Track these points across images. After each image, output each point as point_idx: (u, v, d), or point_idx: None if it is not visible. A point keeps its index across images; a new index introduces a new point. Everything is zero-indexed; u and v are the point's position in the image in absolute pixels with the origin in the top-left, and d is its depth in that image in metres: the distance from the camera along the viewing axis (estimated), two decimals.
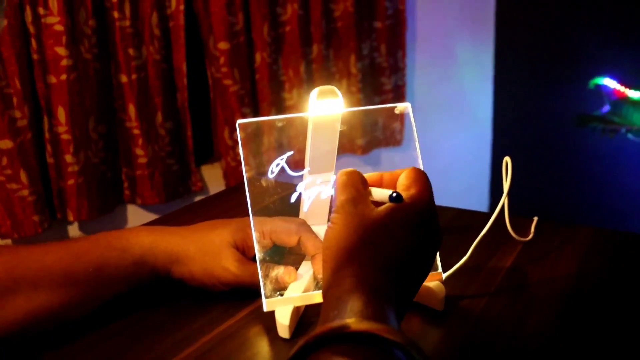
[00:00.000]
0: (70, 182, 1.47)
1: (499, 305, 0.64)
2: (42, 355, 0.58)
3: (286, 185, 0.66)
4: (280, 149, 0.67)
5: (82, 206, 1.50)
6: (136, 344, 0.60)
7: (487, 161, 2.54)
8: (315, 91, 0.64)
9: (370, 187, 0.55)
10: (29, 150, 1.41)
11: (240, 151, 0.65)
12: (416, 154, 0.67)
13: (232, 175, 1.77)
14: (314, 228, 0.70)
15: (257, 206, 0.66)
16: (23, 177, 1.40)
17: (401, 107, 0.68)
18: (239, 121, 0.67)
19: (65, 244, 0.63)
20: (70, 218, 1.50)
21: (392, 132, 0.71)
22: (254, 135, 0.67)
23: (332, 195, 0.67)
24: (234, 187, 1.13)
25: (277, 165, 0.66)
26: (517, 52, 2.38)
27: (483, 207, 2.46)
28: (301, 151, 0.71)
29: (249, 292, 0.65)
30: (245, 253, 0.67)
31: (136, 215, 1.68)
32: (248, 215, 0.63)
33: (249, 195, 0.65)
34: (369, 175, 0.58)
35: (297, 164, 0.67)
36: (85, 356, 0.58)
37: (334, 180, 0.56)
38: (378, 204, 0.53)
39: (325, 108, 0.65)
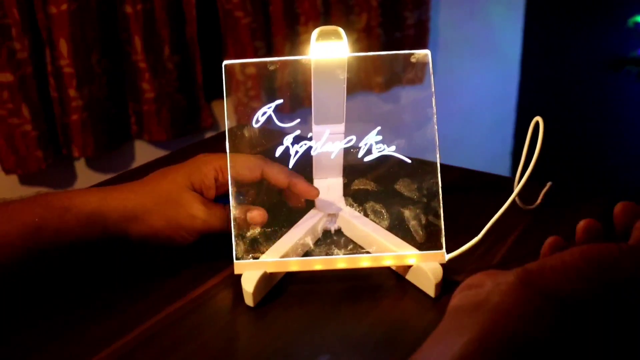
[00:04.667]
0: (75, 117, 1.43)
1: None
2: None
3: (271, 136, 0.60)
4: (269, 96, 0.61)
5: (88, 142, 1.46)
6: (92, 317, 0.55)
7: (513, 103, 2.43)
8: (315, 32, 0.57)
9: None
10: (30, 84, 1.36)
11: (224, 95, 0.60)
12: (432, 111, 0.60)
13: (244, 111, 1.70)
14: (321, 181, 0.65)
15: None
16: (25, 111, 1.36)
17: (419, 54, 0.61)
18: (225, 62, 0.61)
19: None
20: (76, 154, 1.47)
21: (410, 68, 0.63)
22: (242, 78, 0.61)
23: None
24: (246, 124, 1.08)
25: (264, 114, 0.60)
26: None
27: (505, 152, 2.38)
28: (301, 101, 0.65)
29: (222, 253, 0.60)
30: (204, 195, 0.62)
31: (144, 151, 1.64)
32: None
33: (228, 145, 0.60)
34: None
35: (287, 114, 0.61)
36: (37, 330, 0.54)
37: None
38: None
39: (327, 52, 0.58)
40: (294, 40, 1.72)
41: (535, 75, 2.33)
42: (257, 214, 0.60)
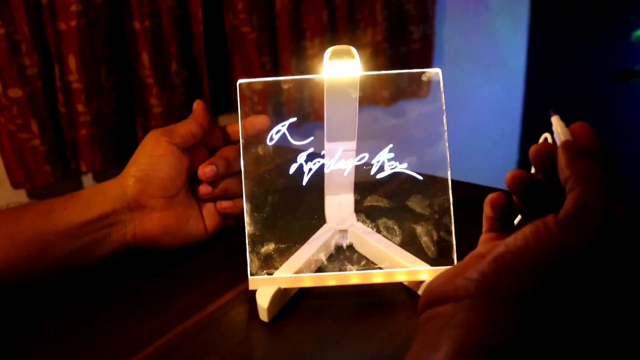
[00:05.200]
0: (83, 132, 1.44)
1: None
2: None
3: (284, 153, 0.61)
4: (283, 114, 0.62)
5: (95, 157, 1.47)
6: (108, 332, 0.56)
7: (518, 117, 2.44)
8: (328, 51, 0.58)
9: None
10: (39, 99, 1.37)
11: (239, 114, 0.60)
12: (443, 128, 0.61)
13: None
14: (333, 198, 0.66)
15: (251, 174, 0.61)
16: (34, 126, 1.37)
17: (430, 72, 0.62)
18: (240, 81, 0.62)
19: None
20: (83, 169, 1.47)
21: (419, 84, 0.64)
22: (249, 93, 0.62)
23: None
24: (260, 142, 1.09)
25: (278, 132, 0.61)
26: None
27: (510, 166, 2.38)
28: (306, 117, 0.65)
29: (235, 269, 0.61)
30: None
31: None
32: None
33: (243, 162, 0.60)
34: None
35: (300, 131, 0.62)
36: (51, 346, 0.55)
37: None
38: None
39: (340, 71, 0.59)
40: (300, 55, 1.74)
41: (540, 88, 2.33)
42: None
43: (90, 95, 1.42)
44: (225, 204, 0.69)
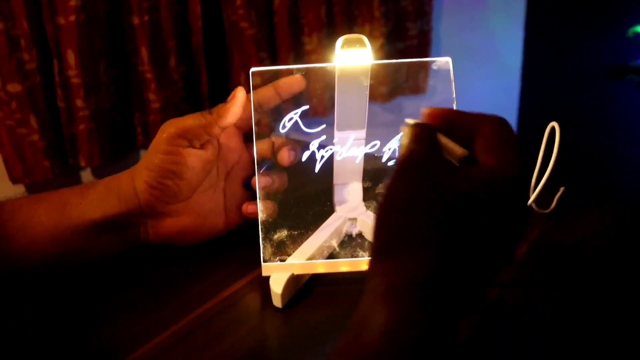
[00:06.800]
0: (81, 127, 1.44)
1: (514, 295, 0.58)
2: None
3: (298, 142, 0.61)
4: (295, 102, 0.62)
5: (94, 152, 1.47)
6: (124, 317, 0.56)
7: (514, 113, 2.45)
8: (340, 40, 0.58)
9: (438, 136, 0.43)
10: (38, 94, 1.37)
11: (252, 101, 0.60)
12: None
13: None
14: (342, 186, 0.66)
15: (264, 163, 0.61)
16: (33, 121, 1.37)
17: (441, 61, 0.62)
18: (253, 69, 0.62)
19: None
20: (82, 164, 1.47)
21: (417, 80, 0.64)
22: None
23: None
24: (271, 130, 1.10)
25: (290, 119, 0.61)
26: None
27: None
28: (318, 105, 0.66)
29: (247, 255, 0.60)
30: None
31: None
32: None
33: (256, 151, 0.60)
34: (434, 109, 0.44)
35: (313, 119, 0.62)
36: (66, 330, 0.55)
37: (401, 134, 0.46)
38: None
39: (351, 59, 0.59)
40: (298, 50, 1.74)
41: (536, 84, 2.34)
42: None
43: (88, 90, 1.42)
44: (253, 210, 0.62)
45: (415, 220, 0.37)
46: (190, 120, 0.59)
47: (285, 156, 0.61)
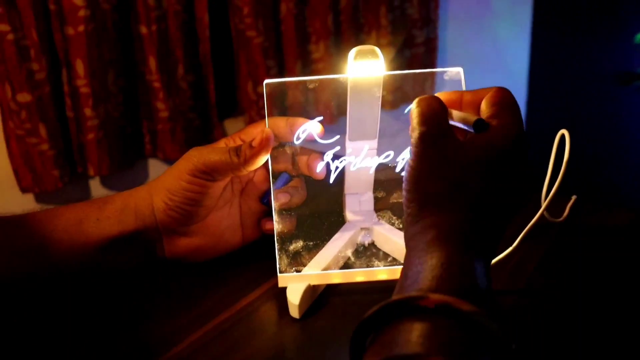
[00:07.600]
0: (90, 136, 1.44)
1: (528, 305, 0.58)
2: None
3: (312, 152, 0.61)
4: (309, 114, 0.62)
5: (103, 161, 1.47)
6: (142, 326, 0.56)
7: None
8: (353, 51, 0.58)
9: (450, 110, 0.50)
10: (47, 104, 1.37)
11: (266, 114, 0.61)
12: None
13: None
14: (353, 196, 0.66)
15: (280, 177, 0.62)
16: (42, 131, 1.37)
17: (452, 72, 0.62)
18: (266, 81, 0.62)
19: None
20: (91, 173, 1.48)
21: (422, 88, 0.65)
22: (281, 96, 0.62)
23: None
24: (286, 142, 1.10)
25: (304, 131, 0.61)
26: (557, 2, 2.25)
27: None
28: (332, 117, 0.66)
29: (263, 266, 0.60)
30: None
31: (158, 170, 1.65)
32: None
33: (271, 162, 0.61)
34: (444, 94, 0.52)
35: (326, 130, 0.62)
36: (79, 343, 0.55)
37: (410, 111, 0.50)
38: (458, 131, 0.49)
39: (364, 70, 0.59)
40: (305, 58, 1.74)
41: (543, 91, 2.34)
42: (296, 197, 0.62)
43: (97, 100, 1.43)
44: (272, 227, 0.61)
45: (439, 187, 0.45)
46: (217, 157, 0.59)
47: (316, 168, 0.62)
